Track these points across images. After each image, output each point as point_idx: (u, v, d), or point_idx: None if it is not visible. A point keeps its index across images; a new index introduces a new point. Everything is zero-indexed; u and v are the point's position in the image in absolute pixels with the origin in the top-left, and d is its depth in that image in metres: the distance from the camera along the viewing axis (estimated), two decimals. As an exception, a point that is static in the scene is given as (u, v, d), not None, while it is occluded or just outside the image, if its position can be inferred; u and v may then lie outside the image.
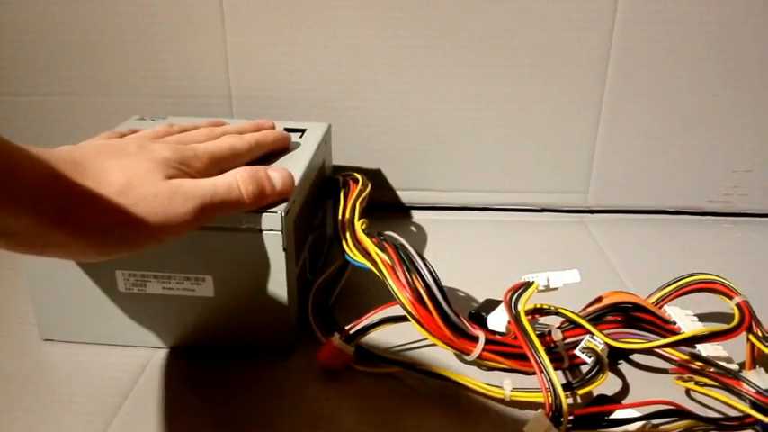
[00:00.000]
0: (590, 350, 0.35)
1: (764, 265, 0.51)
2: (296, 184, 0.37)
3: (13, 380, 0.36)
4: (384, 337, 0.37)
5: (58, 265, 0.37)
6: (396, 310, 0.35)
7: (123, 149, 0.31)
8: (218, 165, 0.35)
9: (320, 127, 0.49)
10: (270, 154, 0.41)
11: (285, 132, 0.44)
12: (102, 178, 0.28)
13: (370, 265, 0.36)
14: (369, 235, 0.38)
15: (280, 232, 0.35)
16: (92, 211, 0.27)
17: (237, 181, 0.33)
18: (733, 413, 0.34)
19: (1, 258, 0.47)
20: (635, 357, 0.39)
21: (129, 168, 0.29)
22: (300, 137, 0.47)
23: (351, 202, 0.42)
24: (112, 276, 0.37)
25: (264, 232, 0.35)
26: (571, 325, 0.36)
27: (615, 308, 0.37)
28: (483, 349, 0.35)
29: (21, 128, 0.56)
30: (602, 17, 0.52)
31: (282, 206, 0.35)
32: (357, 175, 0.46)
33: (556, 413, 0.31)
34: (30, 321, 0.39)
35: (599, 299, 0.38)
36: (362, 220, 0.40)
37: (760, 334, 0.35)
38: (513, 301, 0.35)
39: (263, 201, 0.34)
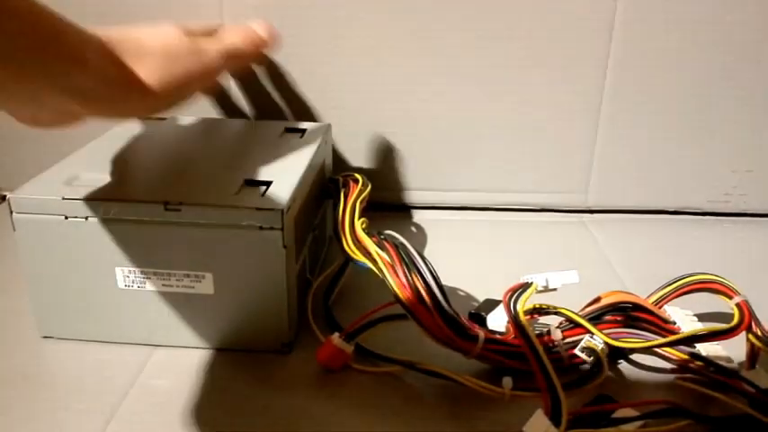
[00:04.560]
0: (589, 350, 0.35)
1: (764, 265, 0.51)
2: (300, 180, 0.38)
3: (11, 377, 0.36)
4: (384, 336, 0.37)
5: (58, 261, 0.37)
6: (395, 309, 0.35)
7: (149, 27, 0.37)
8: None
9: (320, 127, 0.49)
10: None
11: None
12: (143, 43, 0.34)
13: (370, 264, 0.36)
14: (369, 234, 0.38)
15: (280, 230, 0.35)
16: (144, 65, 0.33)
17: (235, 37, 0.40)
18: (733, 413, 0.33)
19: (0, 255, 0.47)
20: (635, 357, 0.38)
21: (161, 35, 0.36)
22: (300, 137, 0.47)
23: (351, 202, 0.42)
24: (112, 273, 0.37)
25: (265, 230, 0.35)
26: (571, 324, 0.36)
27: (615, 307, 0.37)
28: (482, 348, 0.35)
29: (20, 127, 0.56)
30: (602, 17, 0.52)
31: (283, 204, 0.35)
32: (357, 175, 0.46)
33: (555, 412, 0.31)
34: (29, 318, 0.39)
35: (598, 298, 0.38)
36: (362, 220, 0.40)
37: (759, 334, 0.36)
38: (513, 301, 0.35)
39: (257, 45, 0.42)
